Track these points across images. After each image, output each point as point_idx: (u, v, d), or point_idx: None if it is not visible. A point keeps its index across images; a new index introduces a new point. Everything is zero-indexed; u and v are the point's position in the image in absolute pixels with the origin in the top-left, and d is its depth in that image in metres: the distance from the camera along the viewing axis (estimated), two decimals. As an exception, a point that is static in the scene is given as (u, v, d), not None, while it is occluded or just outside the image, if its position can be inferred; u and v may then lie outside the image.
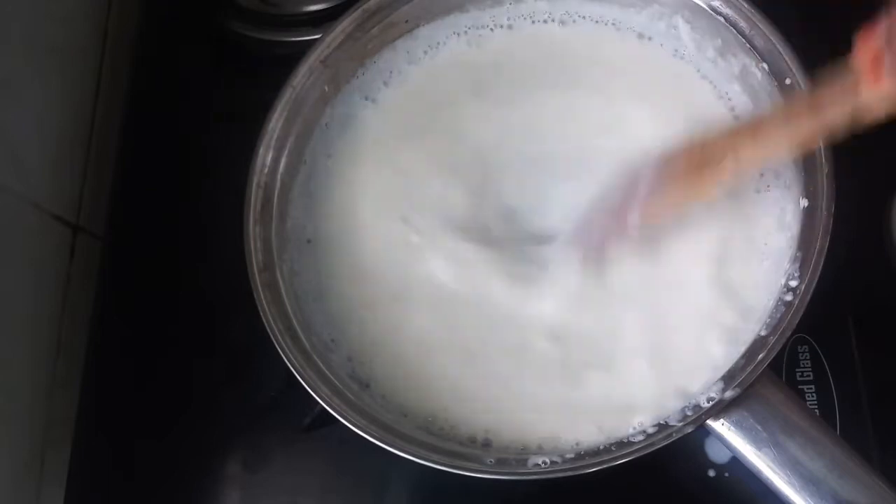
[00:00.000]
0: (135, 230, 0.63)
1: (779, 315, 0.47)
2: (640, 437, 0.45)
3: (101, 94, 0.68)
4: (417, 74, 0.59)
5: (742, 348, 0.47)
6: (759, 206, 0.53)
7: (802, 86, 0.50)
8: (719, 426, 0.45)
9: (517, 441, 0.49)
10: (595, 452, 0.45)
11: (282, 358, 0.48)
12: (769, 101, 0.53)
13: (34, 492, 0.58)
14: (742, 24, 0.53)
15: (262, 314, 0.49)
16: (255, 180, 0.53)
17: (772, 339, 0.46)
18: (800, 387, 0.55)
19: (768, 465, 0.44)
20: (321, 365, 0.49)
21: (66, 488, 0.57)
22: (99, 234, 0.65)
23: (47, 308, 0.61)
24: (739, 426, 0.45)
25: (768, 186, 0.53)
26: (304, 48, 0.56)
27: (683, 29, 0.56)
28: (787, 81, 0.51)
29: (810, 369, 0.55)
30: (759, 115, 0.49)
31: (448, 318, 0.52)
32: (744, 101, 0.55)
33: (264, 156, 0.53)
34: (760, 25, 0.52)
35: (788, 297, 0.47)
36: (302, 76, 0.55)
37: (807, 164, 0.50)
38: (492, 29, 0.60)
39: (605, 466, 0.44)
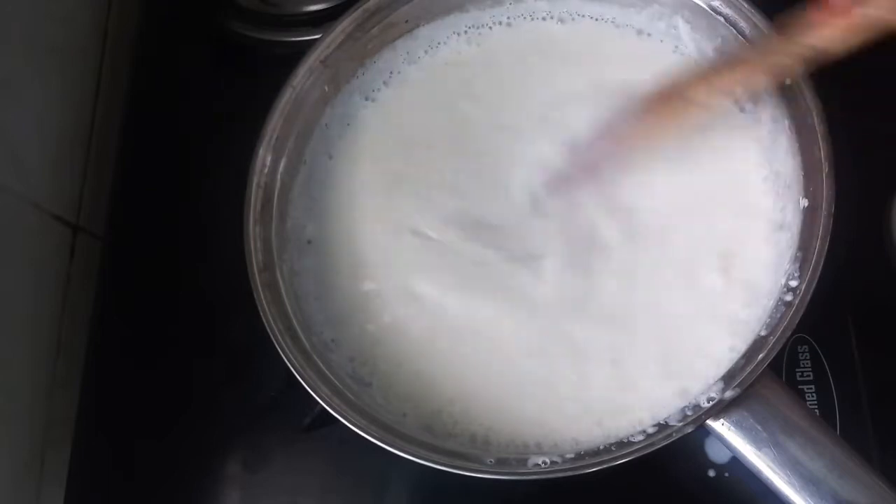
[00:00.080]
0: (135, 230, 0.63)
1: (779, 315, 0.46)
2: (640, 437, 0.45)
3: (101, 94, 0.68)
4: (417, 74, 0.59)
5: (742, 348, 0.47)
6: (759, 205, 0.53)
7: (803, 86, 0.50)
8: (719, 426, 0.45)
9: (517, 438, 0.49)
10: (595, 452, 0.45)
11: (282, 358, 0.48)
12: (769, 101, 0.53)
13: (34, 492, 0.58)
14: (742, 24, 0.53)
15: (262, 314, 0.49)
16: (255, 180, 0.53)
17: (772, 339, 0.46)
18: (800, 387, 0.55)
19: (768, 465, 0.44)
20: (321, 365, 0.49)
21: (66, 488, 0.57)
22: (99, 234, 0.65)
23: (47, 308, 0.61)
24: (739, 426, 0.45)
25: (768, 186, 0.53)
26: (304, 48, 0.56)
27: (683, 29, 0.57)
28: (788, 81, 0.51)
29: (810, 369, 0.55)
30: (725, 56, 0.53)
31: (448, 317, 0.52)
32: (743, 101, 0.55)
33: (264, 156, 0.53)
34: (760, 25, 0.52)
35: (788, 297, 0.47)
36: (302, 76, 0.55)
37: (807, 164, 0.50)
38: (490, 27, 0.60)
39: (605, 466, 0.44)
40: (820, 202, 0.48)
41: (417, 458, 0.45)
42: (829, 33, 0.45)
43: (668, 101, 0.52)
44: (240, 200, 0.52)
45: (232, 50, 0.68)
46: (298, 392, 0.47)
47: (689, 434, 0.44)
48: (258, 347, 0.51)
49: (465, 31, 0.60)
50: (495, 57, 0.59)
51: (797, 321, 0.45)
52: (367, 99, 0.59)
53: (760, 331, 0.47)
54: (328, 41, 0.56)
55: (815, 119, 0.49)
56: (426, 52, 0.60)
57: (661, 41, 0.58)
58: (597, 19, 0.59)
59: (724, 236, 0.52)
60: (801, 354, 0.55)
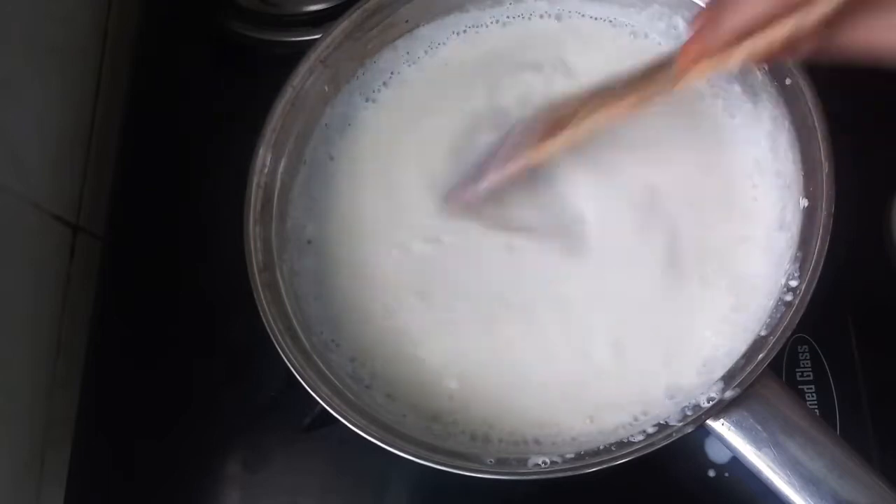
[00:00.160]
0: (135, 230, 0.63)
1: (779, 315, 0.47)
2: (640, 437, 0.45)
3: (101, 94, 0.68)
4: (417, 75, 0.59)
5: (742, 348, 0.47)
6: (758, 205, 0.53)
7: (803, 86, 0.50)
8: (719, 426, 0.45)
9: (517, 436, 0.49)
10: (595, 452, 0.45)
11: (282, 358, 0.48)
12: (769, 101, 0.53)
13: (34, 492, 0.58)
14: (742, 24, 0.53)
15: (262, 314, 0.49)
16: (255, 180, 0.53)
17: (772, 339, 0.46)
18: (800, 387, 0.55)
19: (768, 465, 0.44)
20: (321, 365, 0.49)
21: (66, 488, 0.57)
22: (99, 234, 0.65)
23: (47, 308, 0.61)
24: (739, 426, 0.45)
25: (768, 186, 0.53)
26: (304, 48, 0.56)
27: (683, 29, 0.56)
28: (788, 82, 0.51)
29: (810, 369, 0.55)
30: (605, 85, 0.51)
31: (448, 317, 0.52)
32: (742, 103, 0.55)
33: (264, 156, 0.53)
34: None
35: (788, 297, 0.47)
36: (302, 76, 0.55)
37: (807, 164, 0.50)
38: (488, 25, 0.60)
39: (605, 466, 0.44)
40: (820, 202, 0.48)
41: (417, 458, 0.45)
42: (703, 67, 0.44)
43: (554, 126, 0.51)
44: (240, 200, 0.52)
45: (232, 50, 0.68)
46: (298, 392, 0.47)
47: (689, 434, 0.44)
48: (258, 347, 0.51)
49: (465, 31, 0.60)
50: (494, 57, 0.59)
51: (797, 321, 0.46)
52: (367, 99, 0.59)
53: (760, 331, 0.47)
54: (328, 41, 0.56)
55: (815, 119, 0.49)
56: (426, 52, 0.60)
57: (660, 44, 0.58)
58: (595, 19, 0.59)
59: (723, 236, 0.52)
60: (801, 354, 0.55)
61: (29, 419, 0.58)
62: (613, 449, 0.45)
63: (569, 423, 0.49)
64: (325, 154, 0.57)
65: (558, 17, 0.60)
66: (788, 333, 0.45)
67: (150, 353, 0.60)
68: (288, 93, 0.55)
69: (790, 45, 0.39)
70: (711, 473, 0.53)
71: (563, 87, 0.57)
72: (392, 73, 0.59)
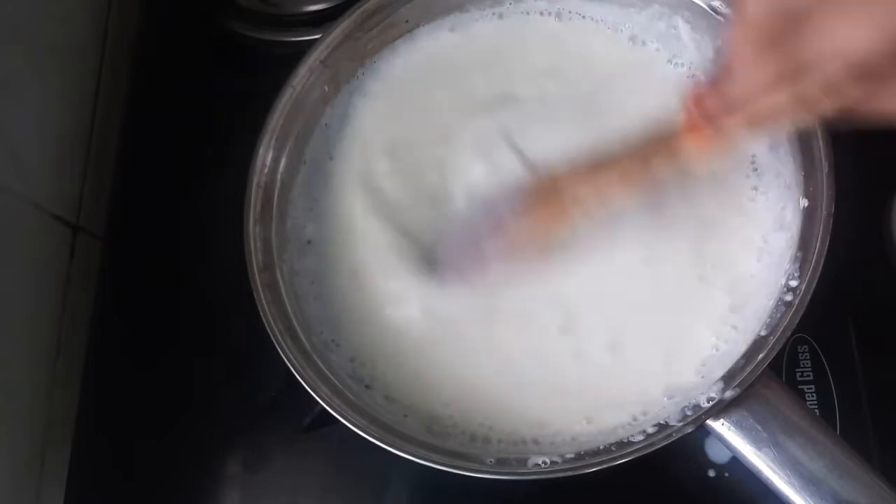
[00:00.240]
0: (135, 230, 0.63)
1: (779, 315, 0.47)
2: (640, 437, 0.45)
3: (101, 94, 0.68)
4: (417, 75, 0.59)
5: (742, 348, 0.47)
6: (758, 205, 0.53)
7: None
8: (719, 426, 0.45)
9: (516, 436, 0.49)
10: (595, 452, 0.45)
11: (282, 358, 0.48)
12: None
13: (34, 492, 0.58)
14: (742, 24, 0.53)
15: (262, 314, 0.49)
16: (255, 180, 0.53)
17: (772, 339, 0.46)
18: (800, 387, 0.55)
19: (768, 465, 0.44)
20: (321, 365, 0.49)
21: (66, 488, 0.57)
22: (99, 234, 0.65)
23: (47, 308, 0.61)
24: (739, 426, 0.45)
25: (768, 185, 0.53)
26: (304, 48, 0.56)
27: (683, 29, 0.56)
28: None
29: (810, 369, 0.55)
30: (602, 156, 0.49)
31: (448, 317, 0.52)
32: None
33: (264, 156, 0.53)
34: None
35: (788, 297, 0.47)
36: (302, 76, 0.55)
37: (807, 164, 0.50)
38: (487, 26, 0.60)
39: (605, 466, 0.44)
40: (820, 202, 0.48)
41: (417, 458, 0.45)
42: (702, 140, 0.44)
43: (547, 199, 0.50)
44: (240, 200, 0.52)
45: (232, 50, 0.68)
46: (298, 392, 0.47)
47: (689, 434, 0.45)
48: (258, 347, 0.51)
49: (465, 32, 0.60)
50: (494, 58, 0.59)
51: (797, 321, 0.46)
52: (367, 99, 0.59)
53: (760, 331, 0.47)
54: (328, 41, 0.56)
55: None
56: (426, 52, 0.59)
57: (657, 50, 0.58)
58: (596, 21, 0.59)
59: (723, 235, 0.52)
60: (801, 354, 0.55)
61: (29, 419, 0.58)
62: (613, 449, 0.45)
63: (568, 424, 0.49)
64: (324, 154, 0.57)
65: (558, 17, 0.60)
66: (788, 333, 0.45)
67: (150, 353, 0.60)
68: (288, 93, 0.55)
69: (799, 111, 0.40)
70: (711, 473, 0.53)
71: (558, 90, 0.57)
72: (392, 72, 0.59)
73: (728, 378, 0.46)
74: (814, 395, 0.55)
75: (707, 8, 0.55)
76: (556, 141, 0.54)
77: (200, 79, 0.68)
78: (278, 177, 0.54)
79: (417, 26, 0.59)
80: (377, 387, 0.51)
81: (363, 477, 0.56)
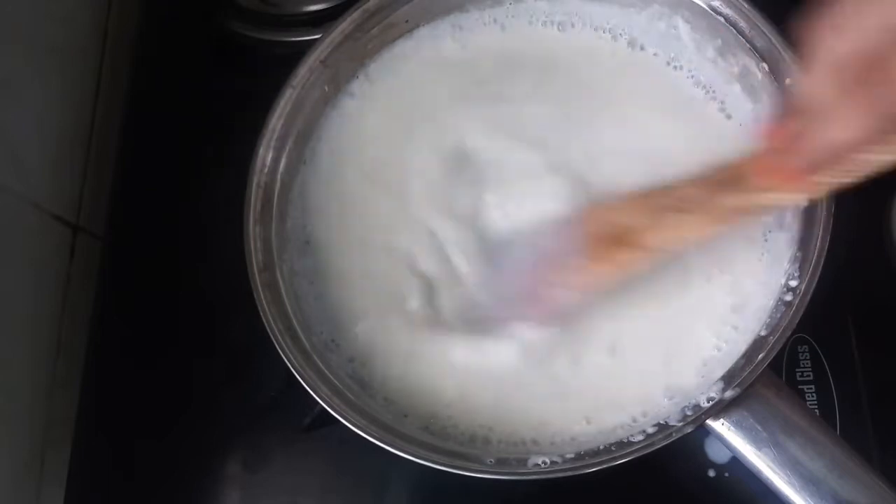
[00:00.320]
0: (135, 230, 0.63)
1: (779, 315, 0.47)
2: (640, 437, 0.45)
3: (101, 94, 0.68)
4: (417, 75, 0.59)
5: (742, 348, 0.47)
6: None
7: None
8: (719, 426, 0.45)
9: (516, 436, 0.49)
10: (595, 452, 0.45)
11: (282, 358, 0.48)
12: (769, 101, 0.53)
13: (34, 492, 0.58)
14: (742, 24, 0.53)
15: (262, 314, 0.49)
16: (255, 180, 0.53)
17: (772, 339, 0.46)
18: (800, 387, 0.55)
19: (768, 465, 0.44)
20: (321, 365, 0.49)
21: (66, 488, 0.57)
22: (99, 234, 0.65)
23: (47, 308, 0.61)
24: (739, 426, 0.45)
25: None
26: (304, 48, 0.56)
27: (683, 29, 0.56)
28: (788, 81, 0.51)
29: (810, 369, 0.55)
30: (666, 191, 0.48)
31: (448, 317, 0.52)
32: (743, 103, 0.55)
33: (264, 156, 0.53)
34: (760, 25, 0.52)
35: (788, 297, 0.47)
36: (302, 76, 0.55)
37: (807, 164, 0.50)
38: (485, 24, 0.60)
39: (605, 466, 0.44)
40: (820, 202, 0.48)
41: (417, 458, 0.45)
42: (778, 193, 0.43)
43: (610, 242, 0.47)
44: (240, 200, 0.52)
45: (232, 50, 0.68)
46: (298, 392, 0.47)
47: (689, 434, 0.45)
48: (258, 347, 0.51)
49: (465, 32, 0.60)
50: (493, 58, 0.59)
51: (797, 321, 0.46)
52: (366, 99, 0.59)
53: (760, 331, 0.47)
54: (328, 41, 0.56)
55: (815, 119, 0.49)
56: (426, 52, 0.59)
57: (656, 54, 0.58)
58: (595, 28, 0.59)
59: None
60: (801, 354, 0.55)
61: (29, 419, 0.58)
62: (613, 449, 0.45)
63: (568, 424, 0.49)
64: (325, 154, 0.57)
65: (560, 25, 0.59)
66: (788, 333, 0.45)
67: (150, 353, 0.60)
68: (288, 93, 0.55)
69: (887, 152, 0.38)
70: (711, 473, 0.53)
71: (560, 88, 0.57)
72: (392, 73, 0.59)
73: (728, 378, 0.46)
74: (814, 395, 0.55)
75: (707, 8, 0.55)
76: (556, 141, 0.55)
77: (200, 79, 0.68)
78: (278, 177, 0.54)
79: (417, 26, 0.59)
80: (377, 387, 0.51)
81: (363, 477, 0.56)
